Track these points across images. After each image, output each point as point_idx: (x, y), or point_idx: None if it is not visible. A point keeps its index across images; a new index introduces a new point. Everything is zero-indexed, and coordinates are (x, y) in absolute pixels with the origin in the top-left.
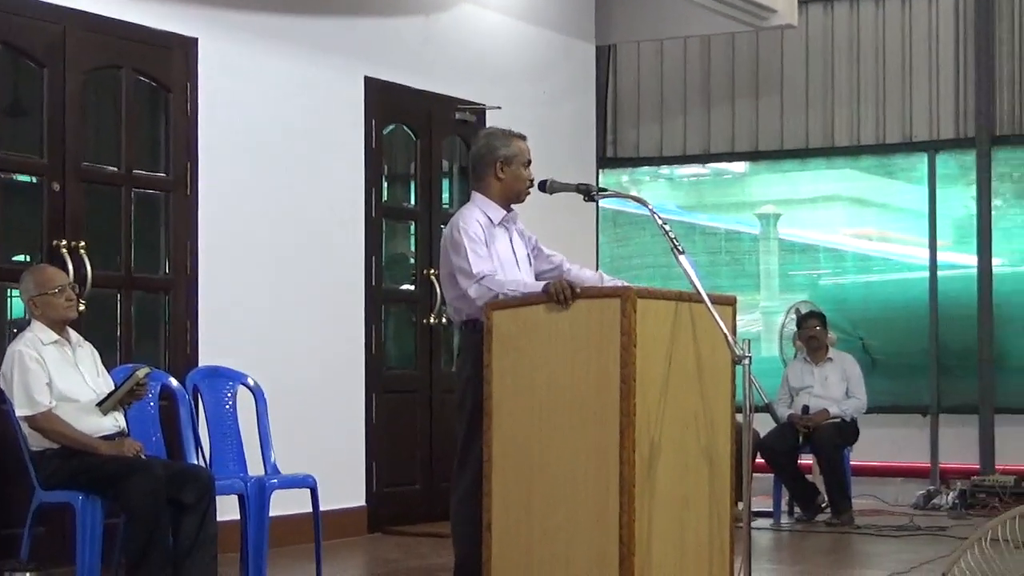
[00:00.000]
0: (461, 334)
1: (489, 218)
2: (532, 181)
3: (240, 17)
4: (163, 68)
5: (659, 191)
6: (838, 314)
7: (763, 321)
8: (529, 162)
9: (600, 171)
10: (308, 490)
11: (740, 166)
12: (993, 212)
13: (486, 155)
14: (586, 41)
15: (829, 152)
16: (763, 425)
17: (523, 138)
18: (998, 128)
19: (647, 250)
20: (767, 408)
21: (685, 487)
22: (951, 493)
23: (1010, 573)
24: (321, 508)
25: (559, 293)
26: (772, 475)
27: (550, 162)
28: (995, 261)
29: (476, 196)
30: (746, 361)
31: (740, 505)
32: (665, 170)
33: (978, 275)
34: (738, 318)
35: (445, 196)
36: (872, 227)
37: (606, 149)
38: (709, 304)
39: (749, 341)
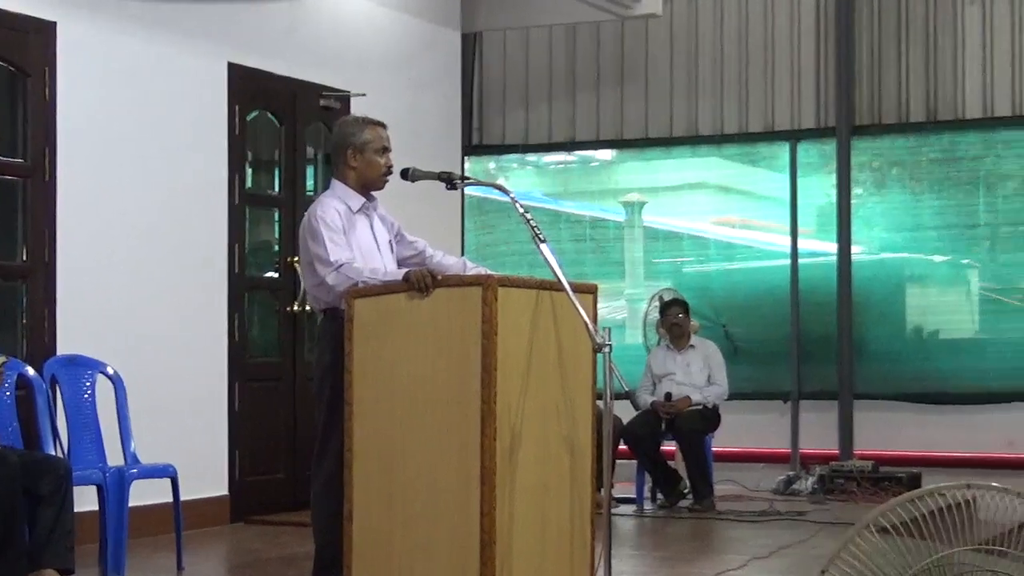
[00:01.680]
0: (321, 323)
1: (348, 206)
2: (390, 168)
3: (101, 1)
4: (21, 52)
5: (526, 178)
6: (701, 301)
7: (628, 308)
8: (386, 149)
9: (466, 158)
10: (168, 480)
11: (607, 154)
12: (853, 200)
13: (340, 143)
14: (452, 29)
15: (693, 141)
16: (626, 412)
17: (380, 125)
18: (858, 118)
19: (513, 237)
20: (627, 396)
21: (546, 475)
22: (810, 478)
23: (895, 563)
24: (182, 498)
25: (419, 281)
26: (635, 462)
27: (415, 149)
28: (855, 249)
29: (335, 184)
30: (607, 349)
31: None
32: (532, 157)
33: (838, 263)
34: (603, 306)
35: (310, 183)
36: (735, 215)
37: (472, 136)
38: (570, 292)
39: (610, 329)
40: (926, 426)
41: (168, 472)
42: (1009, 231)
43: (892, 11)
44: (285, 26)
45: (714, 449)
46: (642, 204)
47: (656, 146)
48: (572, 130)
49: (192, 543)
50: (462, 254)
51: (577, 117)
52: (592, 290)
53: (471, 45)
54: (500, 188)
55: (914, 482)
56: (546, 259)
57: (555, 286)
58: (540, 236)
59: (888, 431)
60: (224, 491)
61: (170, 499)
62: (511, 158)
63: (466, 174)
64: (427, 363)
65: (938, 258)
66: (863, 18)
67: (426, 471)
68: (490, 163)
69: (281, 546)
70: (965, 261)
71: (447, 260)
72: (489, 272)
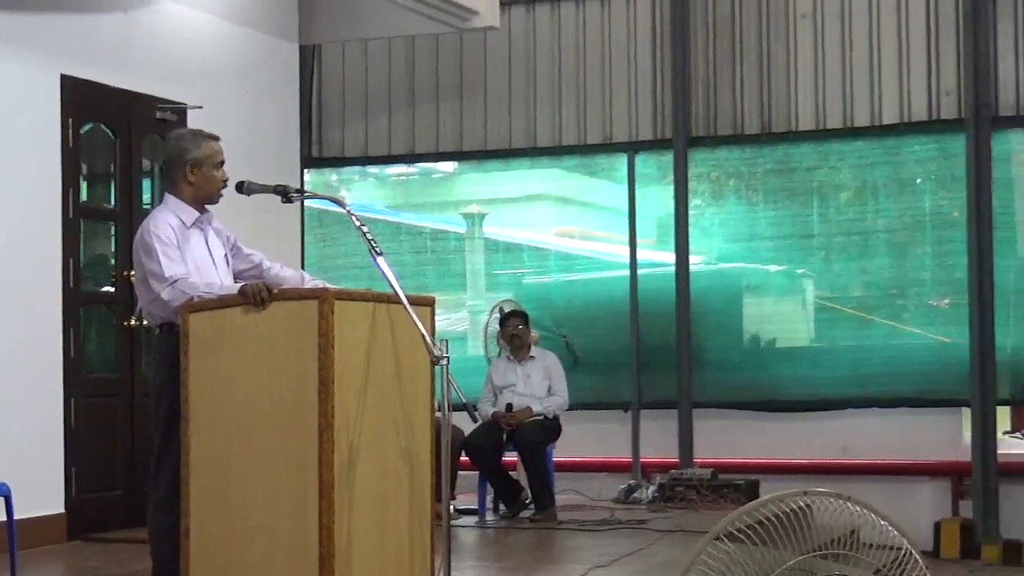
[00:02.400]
0: (157, 338)
1: (181, 220)
2: (226, 181)
3: None
4: None
5: (367, 190)
6: (542, 312)
7: (469, 320)
8: (222, 162)
9: (306, 171)
10: (2, 498)
11: (448, 166)
12: (691, 211)
13: (176, 158)
14: (289, 41)
15: (532, 152)
16: (469, 424)
17: (215, 138)
18: (694, 130)
19: (354, 250)
20: (465, 407)
21: (385, 488)
22: (651, 487)
23: (749, 571)
24: (17, 516)
25: (255, 295)
26: (477, 473)
27: (253, 162)
28: (693, 259)
29: (168, 198)
30: (444, 361)
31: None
32: (374, 170)
33: (676, 273)
34: (444, 317)
35: (146, 196)
36: (575, 226)
37: (312, 149)
38: (407, 305)
39: (447, 341)
40: (763, 433)
41: (1, 491)
42: (843, 241)
43: (727, 25)
44: (120, 38)
45: (555, 459)
46: (482, 216)
47: (495, 158)
48: (412, 142)
49: (28, 562)
50: (302, 267)
51: (417, 129)
52: (430, 303)
53: (310, 57)
54: (336, 201)
55: (752, 489)
56: (382, 272)
57: (392, 299)
58: (376, 249)
59: (727, 439)
60: (61, 509)
61: (3, 518)
62: (352, 170)
63: (306, 187)
64: (264, 377)
65: (774, 268)
66: (698, 31)
67: (264, 486)
68: (332, 175)
69: (120, 563)
70: (800, 271)
71: (284, 273)
72: (326, 285)
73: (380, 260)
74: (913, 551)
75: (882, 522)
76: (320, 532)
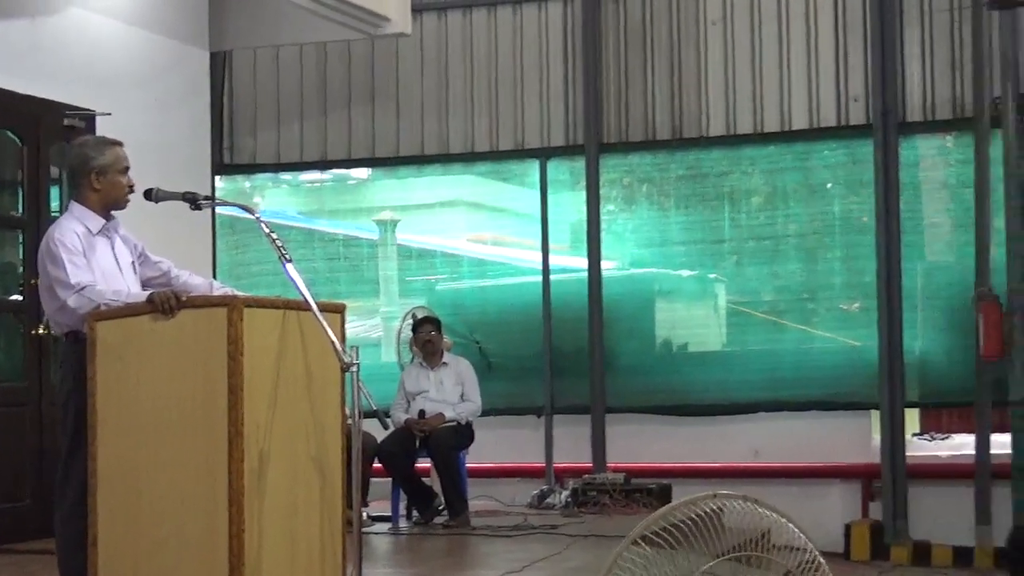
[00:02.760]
0: (63, 346)
1: (87, 227)
2: (132, 187)
3: None
4: None
5: (281, 197)
6: (455, 318)
7: (383, 327)
8: (127, 168)
9: (217, 177)
10: None
11: (362, 172)
12: (604, 217)
13: (80, 166)
14: (199, 47)
15: (444, 159)
16: (380, 430)
17: (119, 144)
18: (606, 135)
19: (267, 257)
20: (376, 414)
21: (296, 495)
22: (564, 492)
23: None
24: None
25: (163, 303)
26: (390, 480)
27: (164, 169)
28: (606, 265)
29: (74, 206)
30: (354, 368)
31: (362, 511)
32: (287, 176)
33: (589, 279)
34: (358, 324)
35: (55, 204)
36: (488, 232)
37: (223, 155)
38: (317, 312)
39: (358, 348)
40: (676, 438)
41: None
42: (754, 246)
43: (637, 31)
44: (27, 44)
45: (468, 465)
46: (395, 222)
47: (408, 164)
48: (324, 149)
49: None
50: (214, 274)
51: (329, 136)
52: (340, 309)
53: (221, 63)
54: (244, 208)
55: (664, 493)
56: (291, 279)
57: (303, 306)
58: (285, 255)
59: (639, 443)
60: None
61: None
62: (265, 177)
63: (218, 193)
64: (173, 385)
65: (686, 273)
66: (609, 38)
67: (173, 494)
68: (244, 182)
69: (30, 575)
70: (712, 275)
71: (193, 280)
72: (236, 292)
73: (289, 267)
74: (816, 552)
75: (789, 524)
76: (230, 540)
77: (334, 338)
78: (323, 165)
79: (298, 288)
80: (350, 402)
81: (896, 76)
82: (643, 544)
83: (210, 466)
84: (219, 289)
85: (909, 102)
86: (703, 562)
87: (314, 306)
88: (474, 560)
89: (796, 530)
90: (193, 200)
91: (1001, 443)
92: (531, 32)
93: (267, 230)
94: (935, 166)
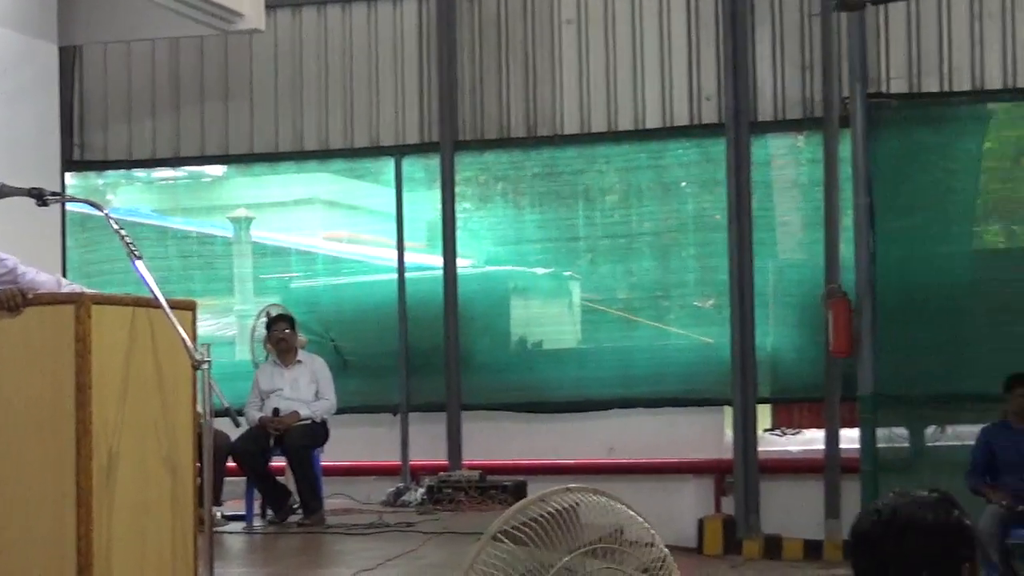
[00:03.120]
0: None
1: None
2: None
3: None
4: None
5: (134, 194)
6: (310, 316)
7: (238, 325)
8: None
9: (67, 174)
10: None
11: (217, 169)
12: (460, 215)
13: None
14: (48, 42)
15: (299, 156)
16: (234, 429)
17: None
18: (461, 133)
19: (118, 255)
20: (227, 412)
21: (146, 495)
22: (419, 489)
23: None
24: None
25: (8, 300)
26: (244, 478)
27: (11, 165)
28: (462, 262)
29: None
30: (205, 366)
31: (214, 510)
32: (141, 173)
33: (444, 276)
34: (213, 322)
35: None
36: (344, 230)
37: (73, 152)
38: (167, 309)
39: (209, 345)
40: (531, 435)
41: None
42: (608, 244)
43: (492, 29)
44: None
45: (323, 463)
46: (250, 220)
47: (262, 161)
48: (177, 145)
49: None
50: (64, 273)
51: (182, 132)
52: (191, 307)
53: (70, 58)
54: (93, 204)
55: (520, 490)
56: (141, 276)
57: (153, 303)
58: (135, 252)
59: (495, 441)
60: None
61: None
62: (118, 173)
63: (68, 190)
64: (20, 383)
65: (541, 270)
66: (464, 35)
67: (21, 494)
68: (97, 179)
69: None
70: (567, 273)
71: (40, 278)
72: (84, 289)
73: (139, 264)
74: (664, 548)
75: (638, 517)
76: (78, 540)
77: (185, 336)
78: (176, 162)
79: (148, 285)
80: (201, 400)
81: (747, 76)
82: (504, 540)
83: (58, 465)
84: (67, 287)
85: (760, 101)
86: (560, 557)
87: (164, 303)
88: (328, 558)
89: (645, 524)
90: (39, 196)
91: (850, 438)
92: (386, 29)
93: (116, 227)
94: (786, 165)
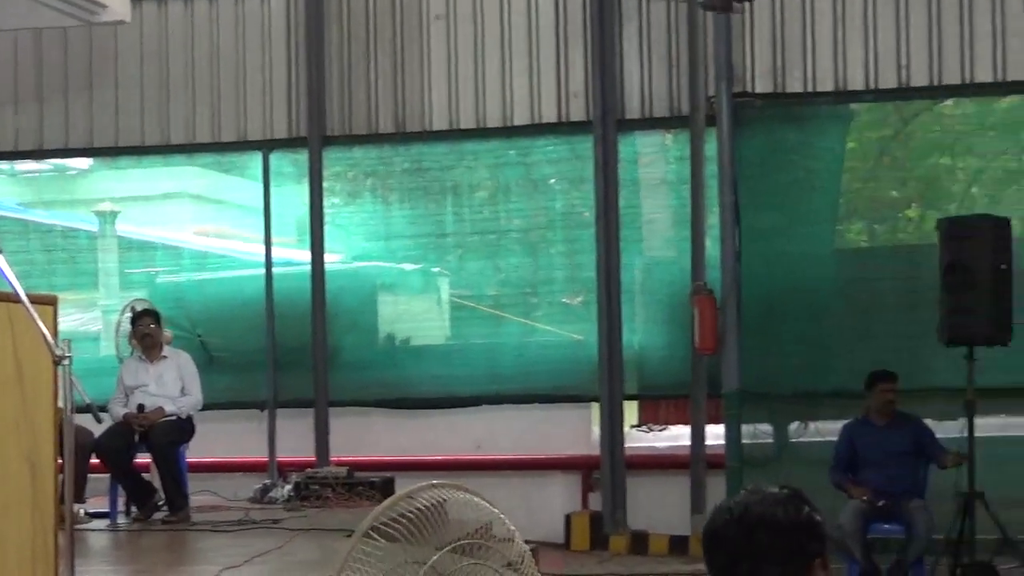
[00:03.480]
0: None
1: None
2: None
3: None
4: None
5: None
6: (177, 311)
7: (102, 320)
8: None
9: None
10: None
11: (83, 162)
12: (329, 210)
13: None
14: None
15: (165, 149)
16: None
17: None
18: (329, 128)
19: None
20: (88, 408)
21: (5, 493)
22: (287, 486)
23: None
24: None
25: None
26: (109, 475)
27: None
28: (330, 258)
29: None
30: (66, 362)
31: (77, 507)
32: (4, 165)
33: (312, 272)
34: (77, 317)
35: None
36: (211, 224)
37: None
38: (27, 304)
39: (69, 341)
40: (399, 431)
41: None
42: (477, 240)
43: (361, 24)
44: None
45: (189, 460)
46: (115, 214)
47: (128, 155)
48: (40, 138)
49: None
50: None
51: (45, 125)
52: (51, 301)
53: None
54: None
55: (387, 486)
56: (0, 270)
57: (12, 298)
58: None
59: (363, 437)
60: None
61: None
62: None
63: None
64: None
65: (409, 266)
66: (333, 30)
67: None
68: None
69: None
70: (436, 269)
71: None
72: None
73: None
74: (520, 541)
75: (499, 514)
76: None
77: (45, 331)
78: (40, 154)
79: (7, 279)
80: (62, 396)
81: (615, 74)
82: (375, 536)
83: None
84: None
85: (628, 99)
86: (430, 553)
87: (24, 297)
88: (194, 556)
89: (502, 518)
90: None
91: (715, 434)
92: (253, 23)
93: None
94: (653, 163)
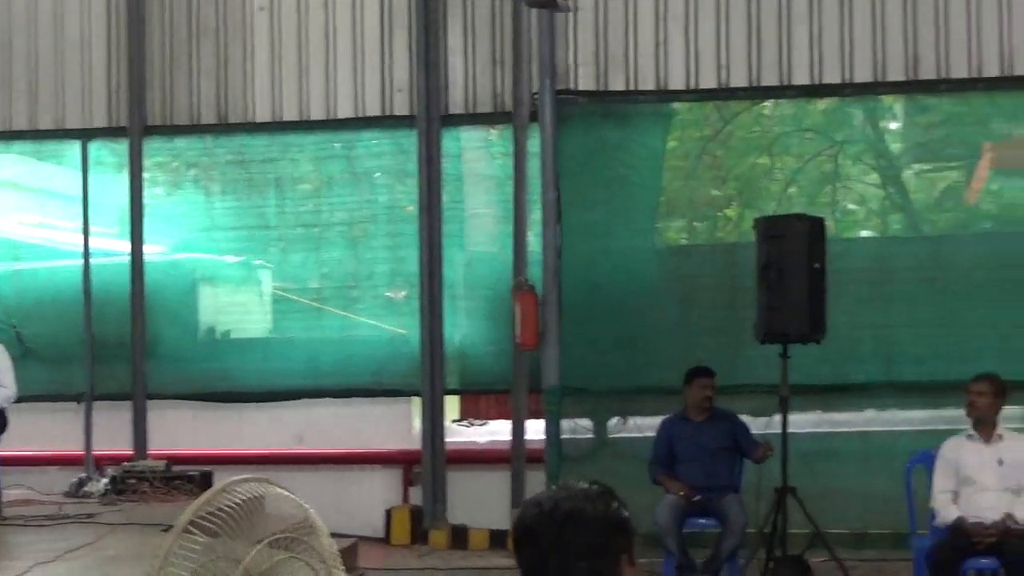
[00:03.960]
0: None
1: None
2: None
3: None
4: None
5: None
6: None
7: None
8: None
9: None
10: None
11: None
12: (151, 201)
13: None
14: None
15: None
16: None
17: None
18: (150, 118)
19: None
20: None
21: None
22: (103, 480)
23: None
24: None
25: None
26: None
27: None
28: (151, 249)
29: None
30: None
31: None
32: None
33: (132, 264)
34: None
35: None
36: (28, 214)
37: None
38: None
39: None
40: (219, 424)
41: None
42: (301, 232)
43: (183, 13)
44: None
45: (2, 453)
46: None
47: None
48: None
49: None
50: None
51: None
52: None
53: None
54: None
55: (206, 480)
56: None
57: None
58: None
59: (182, 430)
60: None
61: None
62: None
63: None
64: None
65: (231, 259)
66: (155, 19)
67: None
68: None
69: None
70: (258, 262)
71: None
72: None
73: None
74: (324, 539)
75: (309, 508)
76: None
77: None
78: None
79: None
80: None
81: (439, 69)
82: (195, 531)
83: None
84: None
85: (452, 95)
86: (248, 548)
87: None
88: (5, 551)
89: (310, 511)
90: None
91: (536, 429)
92: (72, 10)
93: None
94: (478, 158)
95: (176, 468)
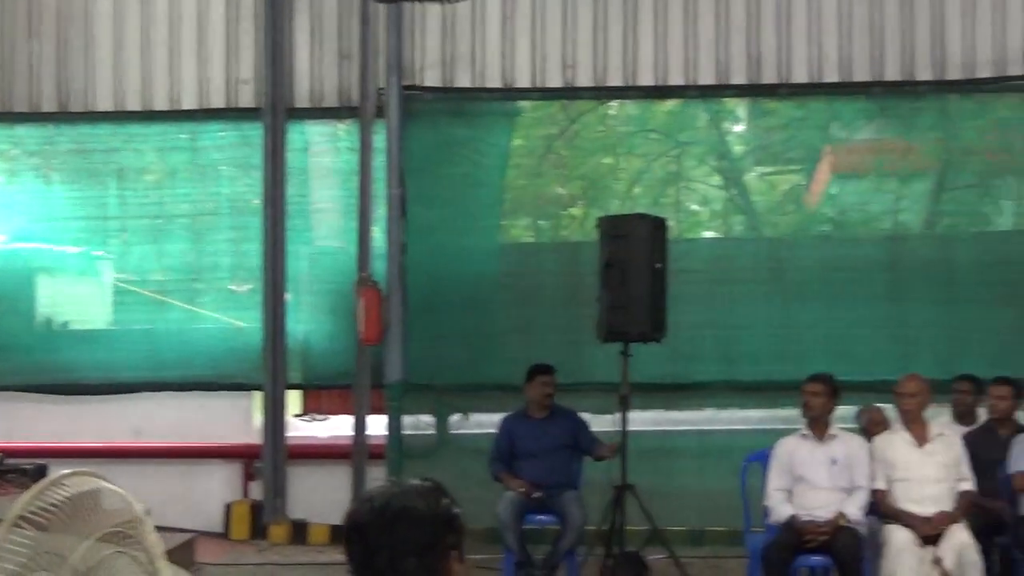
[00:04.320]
0: None
1: None
2: None
3: None
4: None
5: None
6: None
7: None
8: None
9: None
10: None
11: None
12: None
13: None
14: None
15: None
16: None
17: None
18: None
19: None
20: None
21: None
22: None
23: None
24: None
25: None
26: None
27: None
28: None
29: None
30: None
31: None
32: None
33: None
34: None
35: None
36: None
37: None
38: None
39: None
40: (56, 417)
41: None
42: (144, 223)
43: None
44: None
45: None
46: None
47: None
48: None
49: None
50: None
51: None
52: None
53: None
54: None
55: (40, 473)
56: None
57: None
58: None
59: (17, 422)
60: None
61: None
62: None
63: None
64: None
65: (71, 249)
66: None
67: None
68: None
69: None
70: (99, 253)
71: None
72: None
73: None
74: (150, 533)
75: (135, 503)
76: None
77: None
78: None
79: None
80: None
81: (285, 62)
82: (24, 526)
83: None
84: None
85: (298, 88)
86: (80, 543)
87: None
88: None
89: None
90: None
91: (377, 424)
92: None
93: None
94: (324, 152)
95: (9, 461)
